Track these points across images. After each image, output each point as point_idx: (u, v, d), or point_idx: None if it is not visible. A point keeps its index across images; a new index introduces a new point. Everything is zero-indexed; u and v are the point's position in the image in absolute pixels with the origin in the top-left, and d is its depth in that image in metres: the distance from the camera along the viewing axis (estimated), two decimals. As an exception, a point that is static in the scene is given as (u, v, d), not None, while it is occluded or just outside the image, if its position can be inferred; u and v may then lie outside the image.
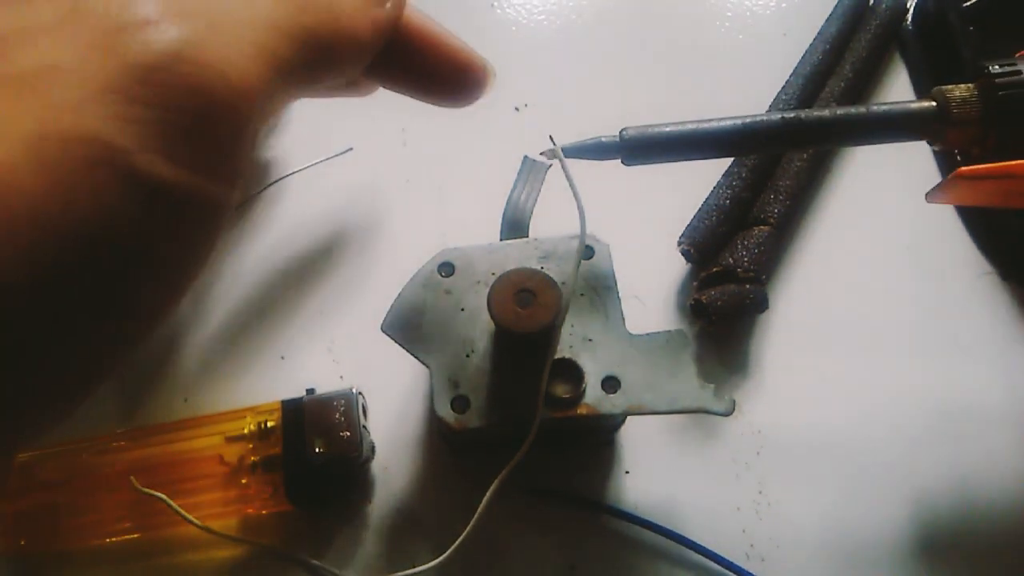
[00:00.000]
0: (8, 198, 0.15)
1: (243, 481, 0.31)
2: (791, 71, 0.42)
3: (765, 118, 0.26)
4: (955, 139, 0.26)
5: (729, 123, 0.26)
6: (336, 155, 0.39)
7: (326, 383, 0.33)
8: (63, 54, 0.16)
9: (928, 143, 0.27)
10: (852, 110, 0.26)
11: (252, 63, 0.18)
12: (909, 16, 0.45)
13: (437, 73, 0.26)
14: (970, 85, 0.26)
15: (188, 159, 0.17)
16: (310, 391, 0.32)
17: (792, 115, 0.26)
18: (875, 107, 0.26)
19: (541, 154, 0.28)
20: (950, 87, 0.26)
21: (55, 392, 0.18)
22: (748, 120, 0.26)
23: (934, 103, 0.26)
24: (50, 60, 0.16)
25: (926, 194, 0.29)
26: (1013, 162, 0.25)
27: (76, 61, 0.16)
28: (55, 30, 0.17)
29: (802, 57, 0.42)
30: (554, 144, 0.27)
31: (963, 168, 0.26)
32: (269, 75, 0.19)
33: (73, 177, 0.15)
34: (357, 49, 0.22)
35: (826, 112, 0.26)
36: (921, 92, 0.44)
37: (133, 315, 0.18)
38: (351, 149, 0.40)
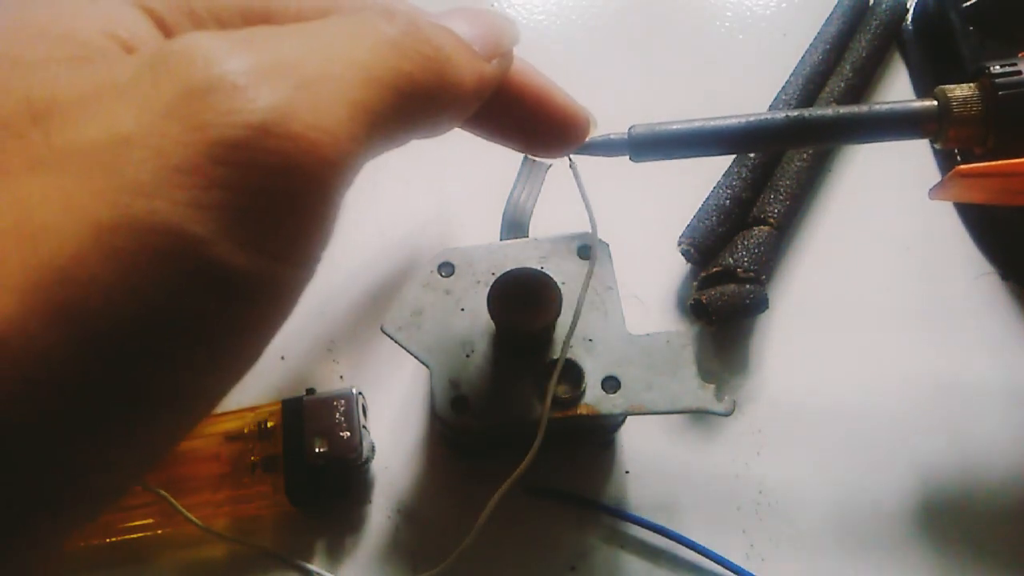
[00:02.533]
0: (79, 291, 0.14)
1: (244, 481, 0.31)
2: (791, 71, 0.42)
3: (770, 116, 0.26)
4: (956, 138, 0.26)
5: (734, 121, 0.26)
6: None
7: (326, 383, 0.33)
8: (136, 123, 0.14)
9: (930, 141, 0.27)
10: (855, 109, 0.26)
11: (347, 125, 0.16)
12: (909, 16, 0.45)
13: (538, 127, 0.24)
14: (971, 85, 0.26)
15: (270, 246, 0.15)
16: (310, 391, 0.32)
17: (796, 114, 0.26)
18: (877, 106, 0.26)
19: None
20: (951, 87, 0.26)
21: (107, 483, 0.16)
22: (753, 118, 0.26)
23: (935, 102, 0.26)
24: (123, 130, 0.14)
25: (928, 191, 0.29)
26: (1011, 160, 0.26)
27: (152, 133, 0.14)
28: (129, 92, 0.15)
29: (802, 57, 0.43)
30: (570, 157, 0.27)
31: (962, 167, 0.27)
32: (364, 135, 0.16)
33: (143, 269, 0.14)
34: (460, 103, 0.20)
35: (829, 111, 0.26)
36: (921, 92, 0.44)
37: (191, 401, 0.17)
38: None
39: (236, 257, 0.15)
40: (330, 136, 0.15)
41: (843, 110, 0.26)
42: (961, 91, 0.26)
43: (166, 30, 0.18)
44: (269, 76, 0.15)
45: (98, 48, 0.16)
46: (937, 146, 0.27)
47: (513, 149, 0.25)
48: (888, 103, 0.26)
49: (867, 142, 0.27)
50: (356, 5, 0.19)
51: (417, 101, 0.18)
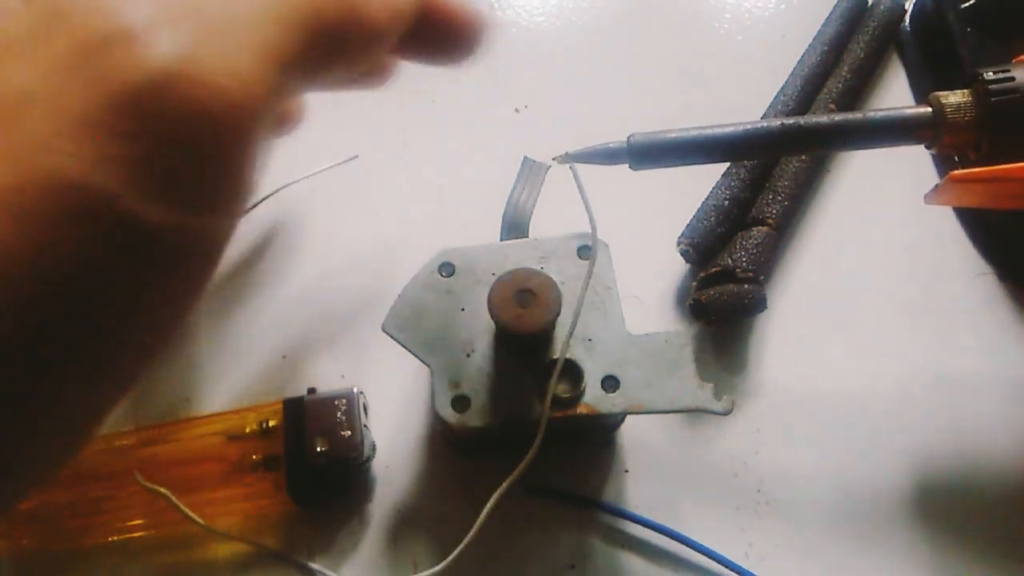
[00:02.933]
0: None
1: (246, 480, 0.31)
2: (789, 72, 0.42)
3: (766, 124, 0.27)
4: (950, 144, 0.27)
5: (731, 129, 0.27)
6: (341, 163, 0.39)
7: (327, 382, 0.33)
8: (37, 78, 0.14)
9: (925, 147, 0.28)
10: (850, 116, 0.27)
11: (256, 68, 0.15)
12: (907, 17, 0.45)
13: (448, 41, 0.23)
14: (965, 91, 0.27)
15: (184, 196, 0.15)
16: (311, 390, 0.32)
17: (792, 122, 0.27)
18: (873, 113, 0.27)
19: (554, 159, 0.28)
20: (945, 93, 0.27)
21: (61, 431, 0.16)
22: (750, 126, 0.27)
23: (930, 109, 0.27)
24: (24, 86, 0.14)
25: (924, 196, 0.29)
26: (1003, 166, 0.26)
27: (51, 88, 0.14)
28: (30, 48, 0.14)
29: (800, 58, 0.43)
30: (570, 164, 0.27)
31: (956, 172, 0.27)
32: (276, 77, 0.16)
33: (53, 229, 0.13)
34: (376, 39, 0.19)
35: (824, 118, 0.27)
36: (919, 93, 0.44)
37: (127, 355, 0.16)
38: (356, 157, 0.39)
39: (150, 211, 0.14)
40: (237, 80, 0.15)
41: (838, 117, 0.27)
42: (955, 98, 0.26)
43: None
44: (169, 23, 0.14)
45: None
46: (932, 152, 0.28)
47: (414, 62, 0.24)
48: (883, 110, 0.27)
49: (863, 148, 0.28)
50: None
51: (330, 40, 0.17)
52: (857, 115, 0.26)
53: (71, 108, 0.14)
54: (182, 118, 0.14)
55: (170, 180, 0.14)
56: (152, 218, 0.14)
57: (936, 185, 0.28)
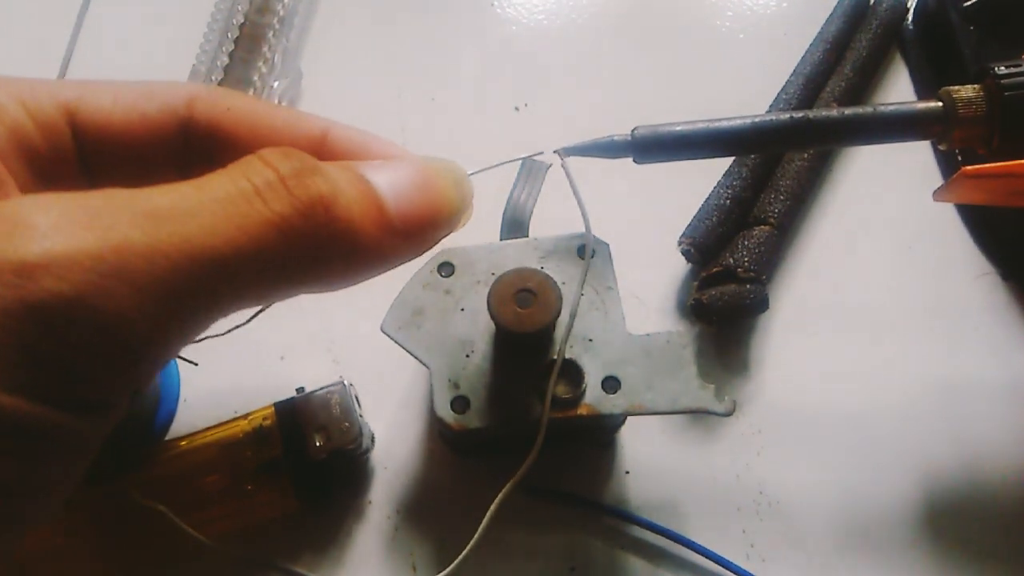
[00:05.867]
0: None
1: (247, 488, 0.31)
2: (792, 70, 0.42)
3: (775, 118, 0.26)
4: (961, 139, 0.26)
5: (739, 122, 0.26)
6: None
7: (317, 383, 0.33)
8: None
9: (934, 143, 0.27)
10: (860, 110, 0.26)
11: (151, 313, 0.16)
12: (909, 16, 0.45)
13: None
14: (976, 86, 0.26)
15: (49, 394, 0.16)
16: (300, 390, 0.32)
17: (801, 115, 0.26)
18: (882, 107, 0.26)
19: (554, 152, 0.28)
20: (956, 88, 0.26)
21: None
22: (758, 119, 0.26)
23: (940, 104, 0.26)
24: None
25: (933, 193, 0.29)
26: (1016, 162, 0.26)
27: None
28: None
29: (803, 56, 0.42)
30: (562, 158, 0.27)
31: (967, 168, 0.27)
32: (175, 320, 0.17)
33: None
34: (348, 279, 0.19)
35: (835, 112, 0.26)
36: (921, 91, 0.44)
37: None
38: None
39: (6, 399, 0.15)
40: (125, 323, 0.16)
41: (849, 112, 0.26)
42: (966, 92, 0.26)
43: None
44: (66, 263, 0.15)
45: None
46: (942, 148, 0.27)
47: None
48: (893, 104, 0.26)
49: (872, 143, 0.27)
50: (265, 161, 0.18)
51: (290, 281, 0.18)
52: (867, 109, 0.26)
53: None
54: (55, 339, 0.15)
55: (36, 377, 0.15)
56: (7, 404, 0.15)
57: (946, 181, 0.28)
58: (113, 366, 0.16)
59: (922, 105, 0.26)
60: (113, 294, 0.15)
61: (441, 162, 0.22)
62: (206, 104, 0.22)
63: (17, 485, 0.16)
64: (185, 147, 0.22)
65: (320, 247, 0.18)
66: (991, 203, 0.29)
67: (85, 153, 0.21)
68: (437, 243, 0.21)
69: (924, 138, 0.27)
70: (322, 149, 0.22)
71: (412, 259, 0.21)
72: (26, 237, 0.15)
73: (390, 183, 0.19)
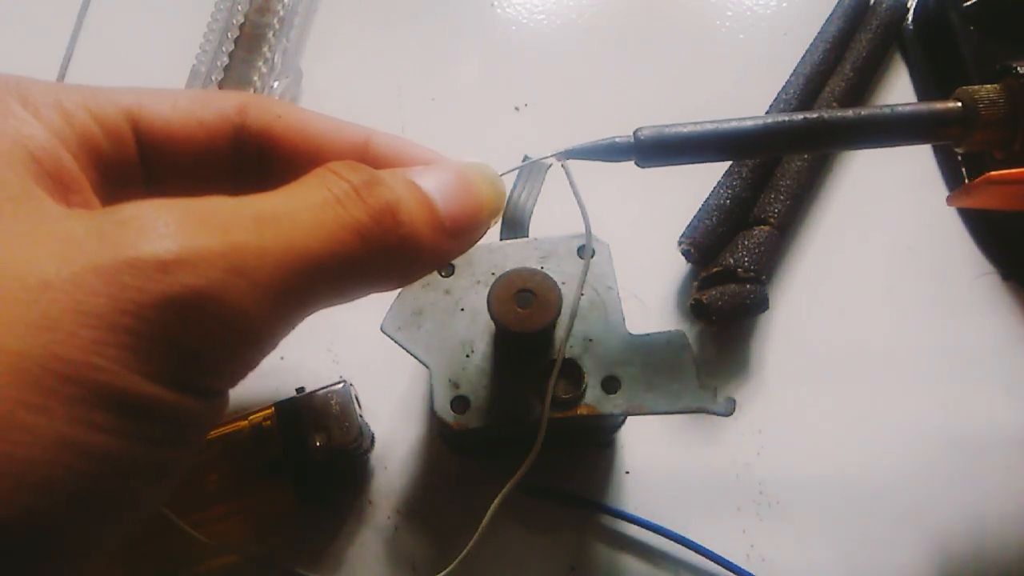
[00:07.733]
0: None
1: (248, 488, 0.31)
2: (792, 71, 0.42)
3: (787, 119, 0.24)
4: (982, 141, 0.25)
5: (750, 123, 0.24)
6: None
7: (327, 383, 0.33)
8: (65, 275, 0.15)
9: (951, 146, 0.26)
10: (876, 111, 0.25)
11: (267, 307, 0.18)
12: (910, 16, 0.45)
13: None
14: (995, 87, 0.25)
15: (181, 379, 0.17)
16: (300, 390, 0.32)
17: (815, 116, 0.24)
18: (900, 108, 0.25)
19: (553, 155, 0.28)
20: (975, 88, 0.25)
21: None
22: (770, 121, 0.24)
23: (959, 103, 0.25)
24: (47, 275, 0.15)
25: (947, 197, 0.28)
26: None
27: (70, 282, 0.15)
28: (72, 246, 0.16)
29: (803, 56, 0.42)
30: (563, 162, 0.26)
31: (994, 173, 0.25)
32: (287, 313, 0.18)
33: (48, 393, 0.15)
34: (409, 277, 0.22)
35: (849, 112, 0.25)
36: (922, 91, 0.44)
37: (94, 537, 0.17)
38: None
39: (144, 387, 0.16)
40: (245, 316, 0.17)
41: (864, 112, 0.25)
42: (987, 92, 0.25)
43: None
44: (197, 261, 0.16)
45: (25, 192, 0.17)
46: (959, 151, 0.26)
47: None
48: (910, 104, 0.25)
49: (886, 146, 0.26)
50: (341, 174, 0.20)
51: (365, 281, 0.20)
52: (884, 109, 0.24)
53: (83, 301, 0.15)
54: (186, 332, 0.16)
55: (168, 365, 0.16)
56: (144, 391, 0.16)
57: (966, 185, 0.27)
58: (234, 356, 0.18)
59: (940, 105, 0.25)
60: (236, 289, 0.17)
61: (476, 164, 0.23)
62: (258, 111, 0.23)
63: (160, 471, 0.17)
64: (236, 153, 0.23)
65: (390, 249, 0.20)
66: (1013, 209, 0.27)
67: (146, 158, 0.22)
68: (478, 241, 0.23)
69: (940, 141, 0.25)
70: (366, 155, 0.24)
71: (456, 257, 0.23)
72: (157, 236, 0.16)
73: (437, 187, 0.21)
